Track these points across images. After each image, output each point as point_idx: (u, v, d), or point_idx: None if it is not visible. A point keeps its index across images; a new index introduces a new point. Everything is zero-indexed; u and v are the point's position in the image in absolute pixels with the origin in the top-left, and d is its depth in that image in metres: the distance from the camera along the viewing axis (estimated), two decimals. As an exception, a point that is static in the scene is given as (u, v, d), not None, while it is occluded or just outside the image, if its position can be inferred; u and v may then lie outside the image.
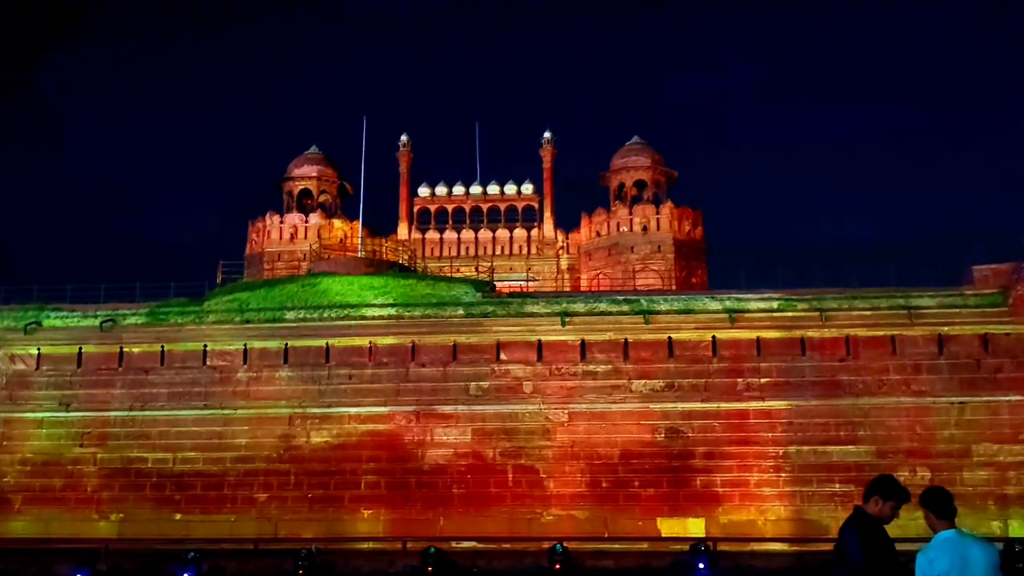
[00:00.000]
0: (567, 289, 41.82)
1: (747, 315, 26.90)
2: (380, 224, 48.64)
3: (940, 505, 5.89)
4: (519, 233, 47.96)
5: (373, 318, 28.09)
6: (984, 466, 24.97)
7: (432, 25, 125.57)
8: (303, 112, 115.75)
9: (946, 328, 26.13)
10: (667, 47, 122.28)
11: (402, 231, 48.51)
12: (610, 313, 27.39)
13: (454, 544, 24.17)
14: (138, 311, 29.15)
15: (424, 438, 26.62)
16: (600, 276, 43.77)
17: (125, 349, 28.32)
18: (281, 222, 47.14)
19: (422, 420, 26.75)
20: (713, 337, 26.72)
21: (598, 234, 45.61)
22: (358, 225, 44.84)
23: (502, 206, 49.13)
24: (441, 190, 49.76)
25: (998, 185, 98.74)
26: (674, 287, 39.26)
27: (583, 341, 27.00)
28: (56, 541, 25.07)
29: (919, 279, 28.10)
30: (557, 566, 20.51)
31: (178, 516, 26.50)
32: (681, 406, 26.19)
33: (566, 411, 26.45)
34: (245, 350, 27.84)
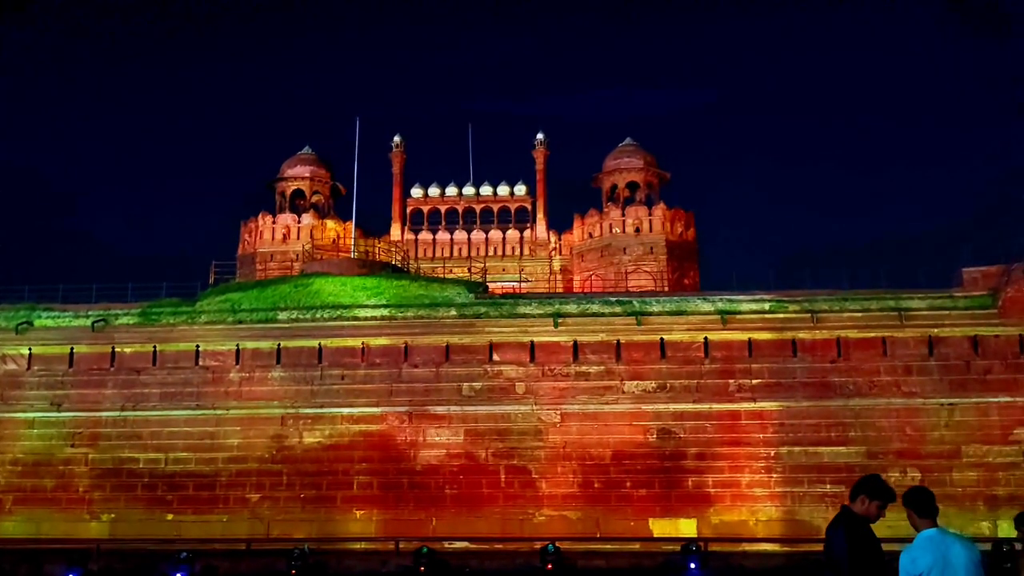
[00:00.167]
0: (560, 290, 41.89)
1: (739, 316, 27.02)
2: (373, 225, 48.71)
3: (922, 504, 5.99)
4: (512, 234, 48.04)
5: (366, 319, 28.12)
6: (974, 467, 25.14)
7: (425, 25, 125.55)
8: (296, 112, 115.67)
9: (936, 330, 26.30)
10: (663, 49, 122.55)
11: (395, 232, 48.52)
12: (602, 314, 27.47)
13: (446, 544, 24.22)
14: (130, 311, 29.11)
15: (417, 439, 26.66)
16: (593, 277, 43.86)
17: (117, 349, 28.27)
18: (274, 222, 47.08)
19: (415, 421, 26.79)
20: (705, 338, 26.83)
21: (591, 235, 45.71)
22: (351, 226, 44.86)
23: (495, 207, 49.19)
24: (434, 191, 49.79)
25: (989, 188, 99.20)
26: (666, 288, 39.36)
27: (575, 342, 27.08)
28: (47, 541, 25.03)
29: (909, 281, 28.35)
30: (549, 566, 20.55)
31: (170, 516, 26.47)
32: (673, 407, 26.29)
33: (558, 412, 26.52)
34: (237, 350, 27.83)
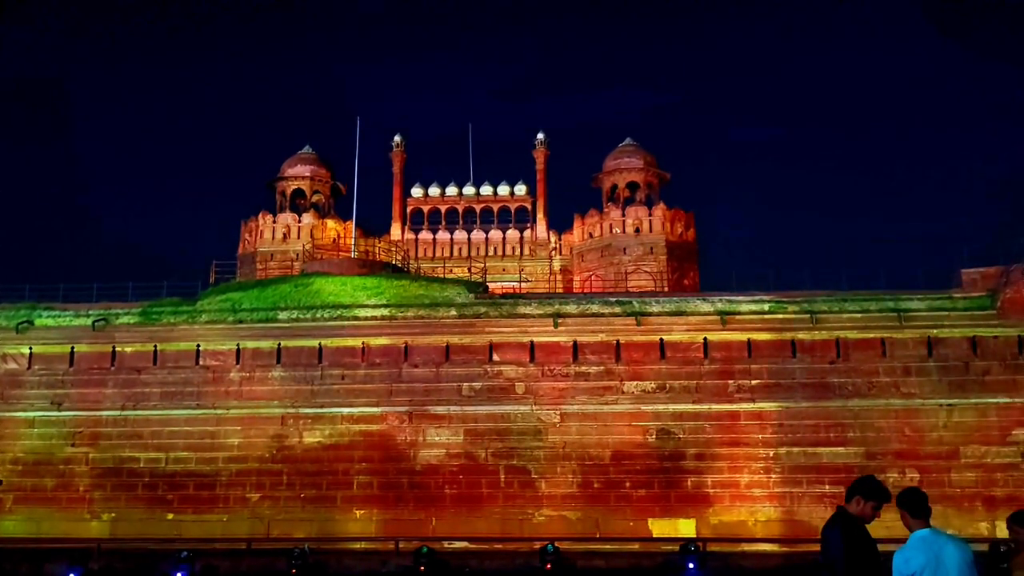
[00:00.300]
0: (560, 290, 41.92)
1: (738, 317, 27.07)
2: (373, 224, 48.70)
3: (915, 505, 6.06)
4: (512, 234, 48.06)
5: (366, 319, 28.17)
6: (972, 468, 25.19)
7: (425, 25, 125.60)
8: (296, 112, 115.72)
9: (935, 331, 26.35)
10: (664, 48, 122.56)
11: (395, 232, 48.54)
12: (602, 314, 27.52)
13: (446, 544, 24.28)
14: (131, 311, 29.16)
15: (416, 438, 26.71)
16: (592, 277, 43.89)
17: (117, 349, 28.33)
18: (274, 222, 47.08)
19: (415, 420, 26.84)
20: (705, 339, 26.88)
21: (591, 235, 45.73)
22: (351, 225, 44.88)
23: (495, 207, 49.21)
24: (434, 191, 49.81)
25: (987, 189, 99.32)
26: (666, 289, 39.39)
27: (575, 342, 27.13)
28: (47, 541, 25.07)
29: (909, 282, 28.42)
30: (548, 566, 20.63)
31: (170, 516, 26.52)
32: (672, 407, 26.34)
33: (558, 412, 26.58)
34: (238, 350, 27.88)
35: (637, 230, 44.35)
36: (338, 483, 26.44)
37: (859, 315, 26.80)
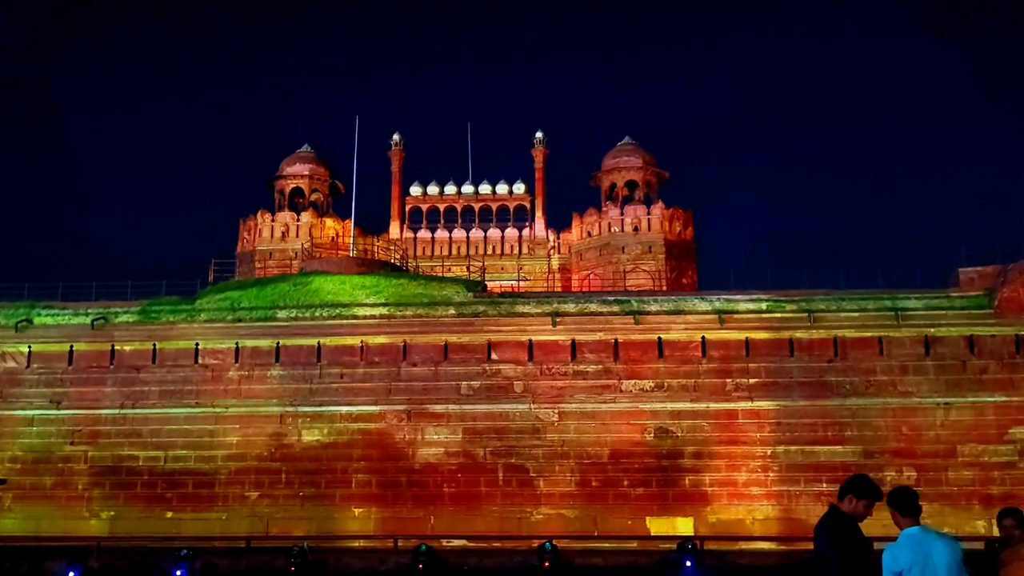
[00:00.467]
0: (558, 289, 41.97)
1: (736, 316, 27.13)
2: (372, 223, 48.75)
3: (904, 503, 6.12)
4: (510, 233, 48.11)
5: (364, 317, 28.21)
6: (969, 466, 25.26)
7: (425, 24, 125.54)
8: (295, 110, 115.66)
9: (932, 330, 26.41)
10: (663, 48, 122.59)
11: (394, 230, 48.58)
12: (600, 313, 27.57)
13: (445, 542, 24.32)
14: (130, 309, 29.19)
15: (415, 437, 26.76)
16: (591, 276, 43.95)
17: (116, 347, 28.36)
18: (273, 220, 47.12)
19: (413, 419, 26.89)
20: (703, 338, 26.94)
21: (589, 234, 45.78)
22: (350, 224, 44.89)
23: (494, 206, 49.25)
24: (433, 189, 49.84)
25: (984, 189, 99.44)
26: (664, 287, 39.45)
27: (574, 341, 27.17)
28: (47, 539, 25.09)
29: (906, 281, 28.48)
30: (546, 564, 20.66)
31: (169, 514, 26.56)
32: (670, 406, 26.40)
33: (556, 411, 26.63)
34: (237, 349, 27.91)
35: (636, 229, 44.39)
36: (337, 481, 26.49)
37: (857, 314, 26.86)
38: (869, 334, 26.57)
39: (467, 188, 49.74)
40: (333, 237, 46.69)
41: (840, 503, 6.24)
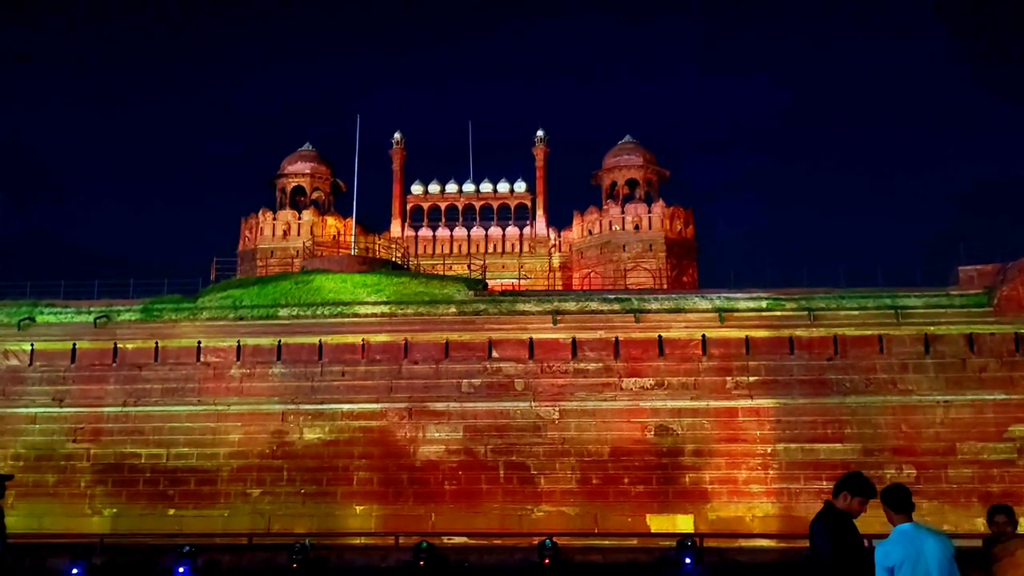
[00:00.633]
0: (559, 287, 42.08)
1: (736, 314, 27.19)
2: (373, 222, 48.85)
3: (897, 500, 6.19)
4: (511, 231, 48.19)
5: (366, 315, 28.28)
6: (969, 464, 25.32)
7: (425, 23, 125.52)
8: (297, 109, 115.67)
9: (932, 328, 26.47)
10: (663, 46, 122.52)
11: (395, 229, 48.67)
12: (601, 311, 27.64)
13: (445, 539, 24.40)
14: (132, 307, 29.26)
15: (416, 435, 26.84)
16: (592, 274, 44.05)
17: (119, 345, 28.45)
18: (274, 219, 47.22)
19: (414, 417, 26.97)
20: (703, 336, 27.00)
21: (590, 233, 45.86)
22: (351, 222, 44.98)
23: (495, 204, 49.34)
24: (434, 188, 49.93)
25: (985, 188, 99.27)
26: (665, 286, 39.53)
27: (574, 339, 27.25)
28: (49, 536, 25.16)
29: (906, 279, 28.53)
30: (547, 561, 20.74)
31: (171, 511, 26.65)
32: (671, 404, 26.47)
33: (557, 408, 26.71)
34: (238, 347, 28.01)
35: (636, 227, 44.48)
36: (338, 479, 26.58)
37: (856, 312, 26.92)
38: (869, 332, 26.63)
39: (468, 186, 49.83)
40: (334, 235, 46.78)
41: (835, 500, 6.32)
